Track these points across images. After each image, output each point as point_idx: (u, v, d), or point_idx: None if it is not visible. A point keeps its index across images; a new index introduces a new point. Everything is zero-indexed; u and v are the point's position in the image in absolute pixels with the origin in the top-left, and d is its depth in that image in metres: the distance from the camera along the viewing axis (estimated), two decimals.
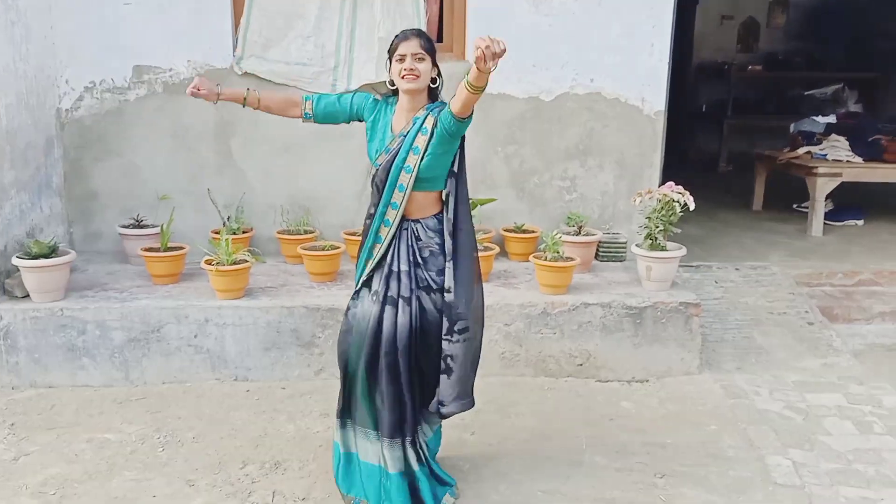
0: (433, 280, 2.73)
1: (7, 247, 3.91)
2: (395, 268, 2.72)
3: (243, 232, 4.51)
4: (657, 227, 4.08)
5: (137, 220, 4.49)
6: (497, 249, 4.30)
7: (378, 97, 2.79)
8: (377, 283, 2.73)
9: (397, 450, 2.73)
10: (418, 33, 2.65)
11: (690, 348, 4.01)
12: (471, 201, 4.32)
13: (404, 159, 2.66)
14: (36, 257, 3.75)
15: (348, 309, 2.79)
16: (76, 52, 4.45)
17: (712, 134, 9.64)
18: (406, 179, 2.66)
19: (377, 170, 2.71)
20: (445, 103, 2.67)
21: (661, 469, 3.10)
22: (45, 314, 3.73)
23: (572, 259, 4.05)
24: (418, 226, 2.74)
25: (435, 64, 2.69)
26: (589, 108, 4.67)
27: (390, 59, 2.67)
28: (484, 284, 4.10)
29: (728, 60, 9.51)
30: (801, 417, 3.57)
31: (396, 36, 2.67)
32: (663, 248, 4.10)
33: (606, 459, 3.17)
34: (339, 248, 4.20)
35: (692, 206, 4.00)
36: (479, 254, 4.06)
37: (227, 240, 3.87)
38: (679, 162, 9.39)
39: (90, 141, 4.58)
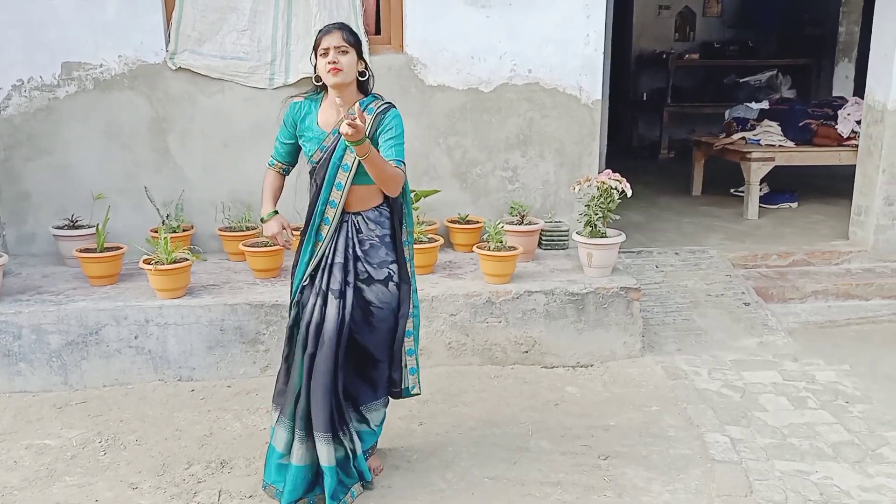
0: (373, 272, 2.75)
1: None
2: (330, 260, 2.75)
3: (183, 230, 4.44)
4: (596, 214, 4.17)
5: (72, 221, 4.38)
6: (441, 241, 4.33)
7: (302, 98, 2.81)
8: (318, 277, 2.76)
9: (310, 443, 2.72)
10: (340, 26, 2.68)
11: (632, 332, 4.11)
12: (414, 193, 4.41)
13: (341, 157, 2.69)
14: None
15: (296, 303, 2.79)
16: (2, 49, 4.31)
17: (653, 122, 9.85)
18: (344, 178, 2.70)
19: (314, 167, 2.74)
20: (378, 97, 2.75)
21: (604, 451, 3.18)
22: None
23: (515, 248, 4.10)
24: (359, 218, 2.78)
25: (361, 57, 2.71)
26: (528, 98, 4.72)
27: (314, 54, 2.69)
28: (430, 276, 4.19)
29: (666, 49, 9.70)
30: (739, 395, 3.70)
31: (319, 31, 2.70)
32: (603, 235, 4.19)
33: (552, 444, 3.24)
34: None
35: (629, 193, 4.09)
36: (425, 245, 4.15)
37: (166, 238, 3.80)
38: (622, 150, 9.61)
39: (20, 140, 4.44)
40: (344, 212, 2.75)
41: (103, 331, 3.70)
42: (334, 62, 2.61)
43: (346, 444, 2.79)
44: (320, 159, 2.71)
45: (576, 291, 4.03)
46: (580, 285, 4.05)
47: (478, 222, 4.68)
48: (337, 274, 2.73)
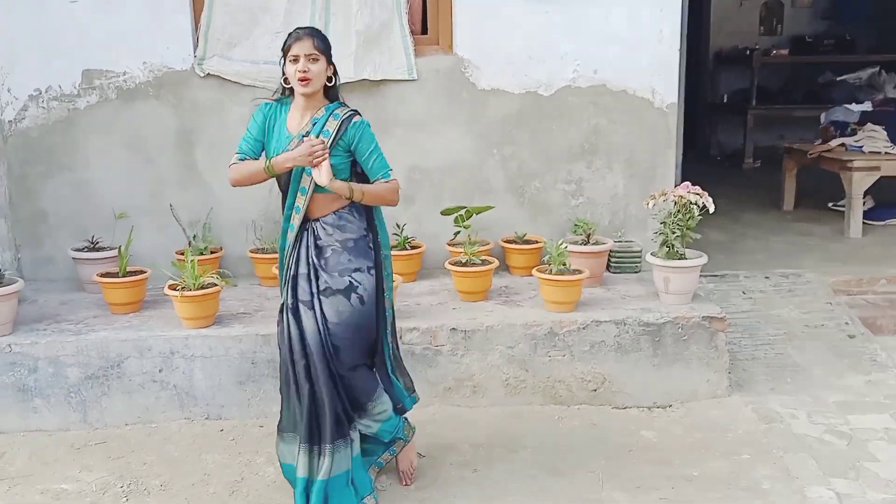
0: (332, 281, 2.95)
1: None
2: (293, 272, 3.00)
3: (211, 252, 4.54)
4: (674, 232, 4.12)
5: (92, 243, 4.52)
6: (496, 263, 4.34)
7: (272, 100, 3.04)
8: (284, 291, 3.04)
9: (305, 455, 2.97)
10: (311, 32, 2.92)
11: (717, 368, 4.04)
12: (465, 210, 4.44)
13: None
14: None
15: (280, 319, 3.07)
16: (18, 56, 4.50)
17: (735, 127, 9.73)
18: (308, 182, 2.93)
19: (281, 173, 2.94)
20: (343, 104, 3.01)
21: None
22: None
23: (580, 272, 4.08)
24: (317, 224, 3.00)
25: (330, 62, 2.95)
26: (593, 102, 4.72)
27: (284, 57, 2.91)
28: (483, 303, 4.21)
29: (750, 45, 9.60)
30: (845, 442, 3.59)
31: (290, 34, 2.93)
32: (682, 257, 4.14)
33: (626, 495, 3.19)
34: None
35: (712, 208, 4.04)
36: (478, 268, 4.19)
37: (193, 261, 3.89)
38: (699, 159, 9.51)
39: (37, 155, 4.61)
40: (306, 219, 3.00)
41: (125, 363, 3.80)
42: (304, 71, 2.85)
43: (350, 453, 3.04)
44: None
45: (651, 321, 3.98)
46: (656, 314, 4.01)
47: (537, 242, 4.67)
48: (304, 285, 2.98)
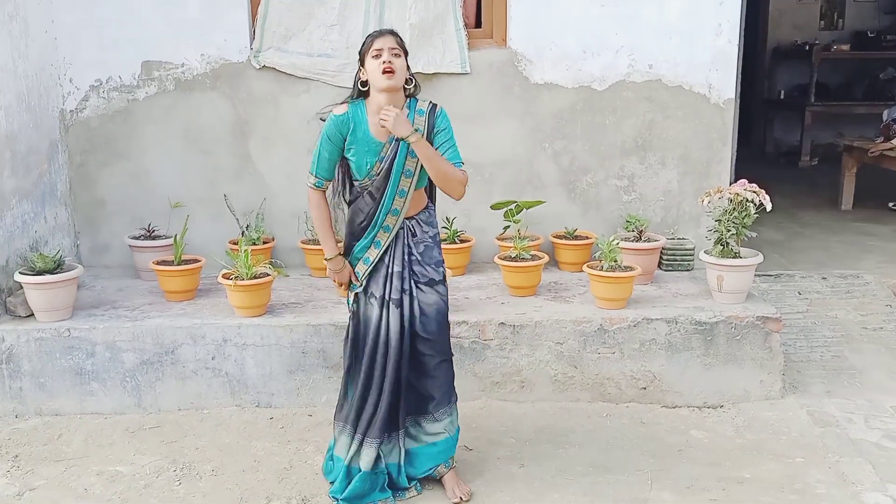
0: (434, 272, 3.06)
1: (9, 261, 4.05)
2: (391, 269, 3.03)
3: (264, 242, 4.60)
4: (729, 230, 4.06)
5: (149, 231, 4.62)
6: (546, 258, 4.32)
7: (344, 107, 2.98)
8: (376, 287, 3.05)
9: (373, 450, 3.07)
10: (391, 31, 2.94)
11: (771, 369, 3.97)
12: (516, 204, 4.43)
13: (403, 164, 2.95)
14: (40, 273, 3.87)
15: (354, 314, 3.12)
16: (80, 47, 4.61)
17: (792, 124, 9.56)
18: (407, 184, 2.98)
19: (372, 180, 2.97)
20: (430, 102, 3.03)
21: None
22: (51, 335, 3.85)
23: (632, 268, 4.04)
24: (413, 222, 3.07)
25: (408, 65, 2.96)
26: (648, 97, 4.66)
27: (363, 59, 2.92)
28: (532, 298, 4.20)
29: (809, 40, 9.41)
30: None
31: (368, 36, 2.95)
32: (736, 255, 4.07)
33: (675, 496, 3.16)
34: None
35: (769, 207, 3.97)
36: (527, 263, 4.19)
37: (246, 251, 3.95)
38: (754, 156, 9.35)
39: (97, 144, 4.73)
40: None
41: (179, 350, 3.87)
42: (389, 62, 2.84)
43: (400, 450, 3.14)
44: (381, 170, 2.95)
45: (703, 320, 3.92)
46: (708, 313, 3.95)
47: (588, 238, 4.64)
48: (396, 282, 3.02)
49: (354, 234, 3.08)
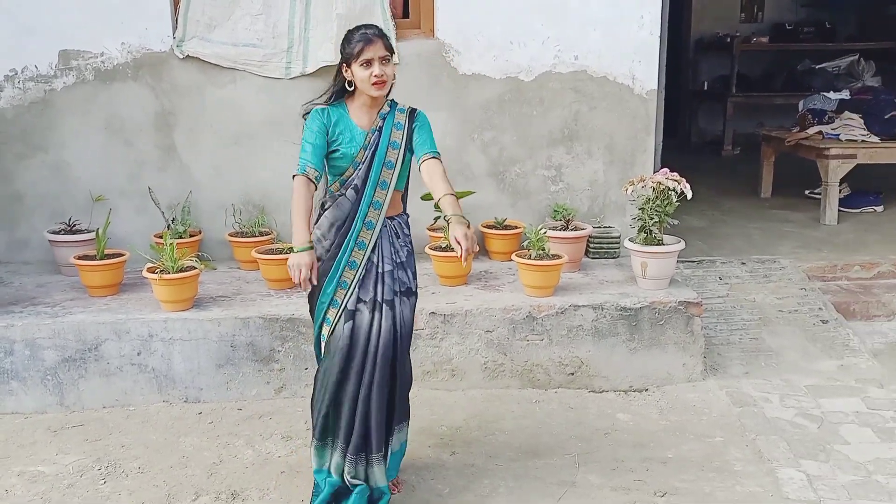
0: (410, 281, 2.95)
1: None
2: (380, 269, 2.89)
3: (190, 235, 4.53)
4: (652, 218, 4.16)
5: (69, 225, 4.49)
6: (476, 248, 4.33)
7: (324, 105, 2.91)
8: (365, 291, 2.86)
9: (361, 464, 2.87)
10: (380, 33, 2.84)
11: (693, 352, 4.09)
12: None
13: (384, 154, 2.87)
14: None
15: (338, 321, 2.86)
16: None
17: (715, 114, 9.76)
18: (389, 176, 2.89)
19: (356, 169, 2.87)
20: (409, 107, 2.97)
21: (661, 486, 3.17)
22: None
23: (559, 257, 4.11)
24: (395, 223, 2.97)
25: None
26: (574, 88, 4.74)
27: (350, 61, 2.80)
28: (463, 287, 4.23)
29: (730, 32, 9.61)
30: (816, 426, 3.65)
31: (352, 35, 2.82)
32: (659, 242, 4.17)
33: (601, 478, 3.23)
34: None
35: (689, 195, 4.08)
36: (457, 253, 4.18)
37: (171, 244, 3.88)
38: (680, 145, 9.55)
39: (12, 136, 4.57)
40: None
41: (103, 346, 3.79)
42: (381, 75, 2.78)
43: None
44: (364, 158, 2.86)
45: (628, 306, 4.02)
46: (633, 299, 4.05)
47: (517, 227, 4.69)
48: (388, 282, 2.88)
49: (337, 238, 2.87)
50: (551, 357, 4.02)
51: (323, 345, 2.93)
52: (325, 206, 2.94)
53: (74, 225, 4.50)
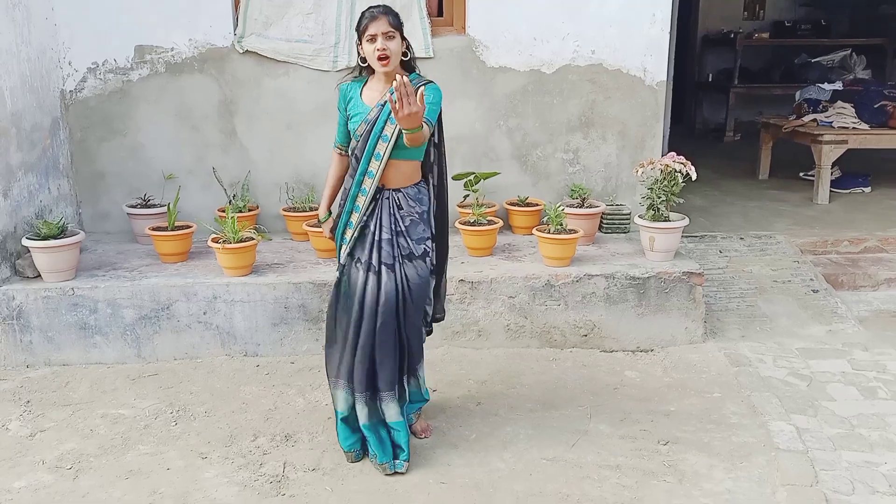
0: (414, 248, 2.87)
1: (17, 228, 3.96)
2: (377, 237, 2.86)
3: (249, 210, 4.55)
4: (659, 197, 4.09)
5: (144, 200, 4.54)
6: (501, 223, 4.32)
7: (349, 80, 2.90)
8: (361, 252, 2.87)
9: (373, 401, 2.91)
10: (385, 10, 2.76)
11: (694, 317, 4.04)
12: (474, 175, 4.41)
13: (381, 128, 2.79)
14: (46, 238, 3.80)
15: (339, 279, 2.93)
16: (78, 33, 4.46)
17: (719, 104, 9.59)
18: (382, 148, 2.80)
19: (357, 141, 2.84)
20: (419, 75, 2.86)
21: (664, 436, 3.15)
22: (57, 294, 3.79)
23: (575, 231, 4.07)
24: (399, 195, 2.88)
25: (403, 37, 2.80)
26: (591, 80, 4.66)
27: (360, 38, 2.75)
28: (489, 258, 4.21)
29: (734, 29, 9.40)
30: (805, 384, 3.60)
31: (363, 15, 2.76)
32: (666, 219, 4.11)
33: (611, 427, 3.22)
34: None
35: (694, 176, 4.01)
36: (484, 227, 4.17)
37: (233, 218, 3.90)
38: (686, 132, 9.39)
39: (95, 122, 4.61)
40: (385, 188, 2.86)
41: (174, 306, 3.84)
42: (383, 49, 2.70)
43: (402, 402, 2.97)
44: (363, 132, 2.81)
45: (637, 276, 3.98)
46: (641, 269, 4.00)
47: (537, 205, 4.65)
48: (387, 248, 2.84)
49: (345, 201, 2.91)
50: (567, 320, 3.99)
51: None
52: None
53: (149, 200, 4.54)
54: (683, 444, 3.10)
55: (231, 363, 3.85)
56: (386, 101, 2.76)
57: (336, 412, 2.99)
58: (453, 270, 3.98)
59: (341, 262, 2.95)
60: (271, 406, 3.43)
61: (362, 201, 2.85)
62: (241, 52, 4.53)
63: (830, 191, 6.13)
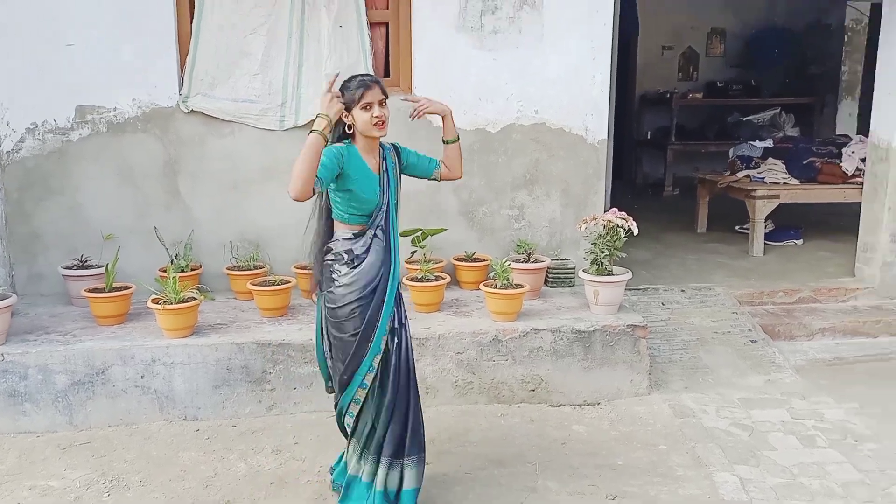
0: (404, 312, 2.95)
1: None
2: (398, 292, 2.91)
3: (191, 269, 4.46)
4: (603, 252, 4.16)
5: (81, 261, 4.40)
6: (448, 279, 4.33)
7: (339, 144, 2.75)
8: (401, 312, 2.90)
9: (394, 470, 2.87)
10: (376, 79, 2.80)
11: (639, 370, 4.07)
12: (421, 231, 4.43)
13: (395, 194, 2.87)
14: None
15: (389, 344, 2.83)
16: (17, 93, 4.38)
17: (657, 160, 9.89)
18: (396, 216, 2.88)
19: (381, 210, 2.80)
20: (390, 143, 2.94)
21: (612, 491, 3.13)
22: None
23: (522, 286, 4.09)
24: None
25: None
26: (535, 138, 4.76)
27: (351, 106, 2.72)
28: (437, 314, 4.18)
29: (670, 89, 9.78)
30: (747, 434, 3.64)
31: (350, 83, 2.74)
32: (610, 273, 4.17)
33: (559, 484, 3.19)
34: (289, 282, 4.18)
35: (636, 231, 4.08)
36: (432, 283, 4.17)
37: (174, 277, 3.81)
38: (627, 186, 9.64)
39: (32, 182, 4.49)
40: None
41: (110, 371, 3.70)
42: (381, 116, 2.73)
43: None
44: (385, 201, 2.81)
45: (583, 329, 4.00)
46: (587, 323, 4.03)
47: (484, 260, 4.67)
48: (402, 305, 2.92)
49: (376, 286, 2.78)
50: (515, 375, 3.98)
51: (369, 378, 2.80)
52: (349, 247, 2.76)
53: (86, 261, 4.41)
54: (631, 498, 3.08)
55: (169, 428, 3.70)
56: (386, 168, 2.83)
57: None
58: None
59: (383, 345, 2.79)
60: (211, 473, 3.29)
61: (385, 255, 2.83)
62: (187, 111, 4.50)
63: (765, 243, 6.32)
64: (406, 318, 2.92)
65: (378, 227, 2.79)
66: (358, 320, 2.74)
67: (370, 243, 2.78)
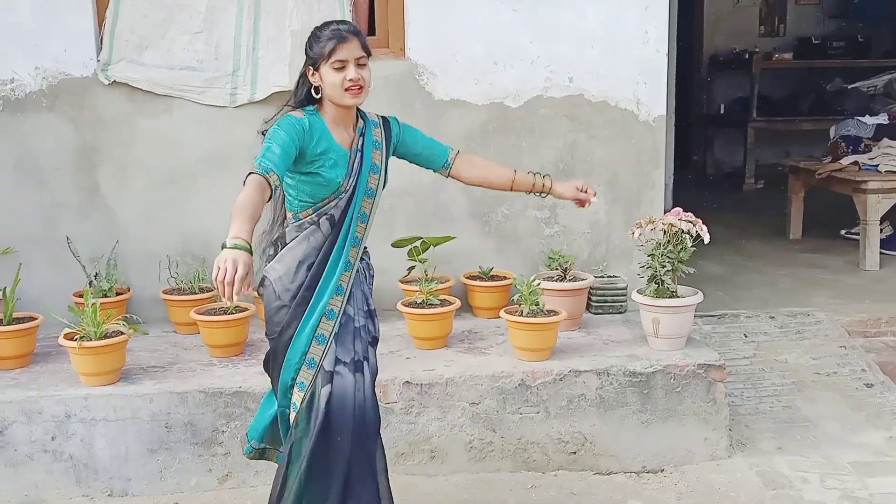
0: (376, 330, 2.99)
1: None
2: (356, 323, 2.88)
3: (117, 293, 4.51)
4: (664, 266, 4.18)
5: None
6: (458, 303, 4.36)
7: (298, 115, 2.80)
8: (344, 350, 2.84)
9: None
10: (355, 30, 2.80)
11: (716, 425, 4.09)
12: (422, 241, 4.48)
13: (366, 181, 2.86)
14: None
15: (313, 386, 2.82)
16: None
17: (734, 142, 9.91)
18: (368, 206, 2.88)
19: (339, 198, 2.82)
20: (378, 115, 2.97)
21: None
22: None
23: (556, 312, 4.12)
24: (363, 264, 2.97)
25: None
26: (569, 114, 4.80)
27: (318, 62, 2.76)
28: (443, 350, 4.22)
29: (749, 48, 9.79)
30: None
31: (321, 32, 2.77)
32: (673, 294, 4.20)
33: None
34: (246, 309, 4.22)
35: (707, 238, 4.11)
36: (436, 310, 4.20)
37: (94, 305, 3.85)
38: (694, 179, 9.66)
39: None
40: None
41: (10, 430, 3.73)
42: (356, 80, 2.74)
43: None
44: (348, 186, 2.83)
45: (639, 371, 4.03)
46: (644, 362, 4.06)
47: (505, 278, 4.71)
48: (364, 336, 2.91)
49: (301, 285, 2.82)
50: (549, 433, 4.00)
51: (291, 416, 2.84)
52: (287, 238, 2.86)
53: None
54: None
55: None
56: (362, 145, 2.86)
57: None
58: (396, 369, 3.97)
59: (323, 367, 2.81)
60: None
61: (346, 279, 2.86)
62: (108, 83, 4.56)
63: (880, 253, 6.32)
64: (365, 355, 2.88)
65: (324, 214, 2.83)
66: (277, 330, 2.87)
67: (304, 231, 2.83)
